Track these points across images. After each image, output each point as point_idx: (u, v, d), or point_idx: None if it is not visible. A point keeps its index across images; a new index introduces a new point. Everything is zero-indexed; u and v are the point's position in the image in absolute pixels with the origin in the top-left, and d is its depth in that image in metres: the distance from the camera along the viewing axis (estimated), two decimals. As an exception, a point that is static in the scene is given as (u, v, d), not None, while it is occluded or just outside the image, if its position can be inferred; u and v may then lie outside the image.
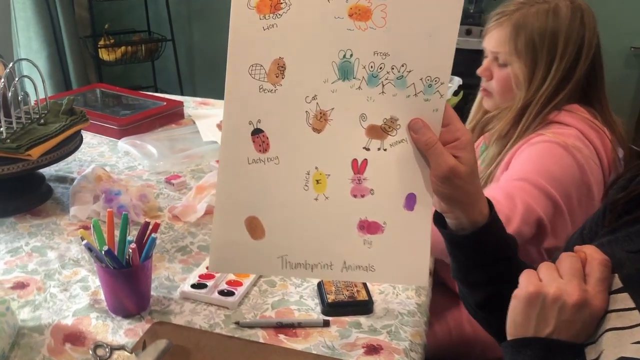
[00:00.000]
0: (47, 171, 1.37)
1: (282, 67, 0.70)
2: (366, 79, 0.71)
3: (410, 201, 0.74)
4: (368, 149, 0.73)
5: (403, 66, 0.71)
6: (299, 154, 0.72)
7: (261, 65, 0.70)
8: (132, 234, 0.94)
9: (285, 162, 0.72)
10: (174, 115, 1.75)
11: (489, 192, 1.08)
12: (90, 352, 0.82)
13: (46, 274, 1.03)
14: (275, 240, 0.73)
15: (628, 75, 2.86)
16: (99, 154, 1.52)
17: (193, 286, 0.98)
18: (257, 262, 0.74)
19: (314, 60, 0.70)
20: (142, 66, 3.40)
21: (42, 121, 1.24)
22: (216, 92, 2.77)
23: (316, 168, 0.73)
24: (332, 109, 0.72)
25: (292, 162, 0.72)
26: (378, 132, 0.73)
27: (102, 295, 0.96)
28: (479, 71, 1.31)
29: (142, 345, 0.85)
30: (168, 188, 1.35)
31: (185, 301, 0.97)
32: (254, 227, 0.73)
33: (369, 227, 0.74)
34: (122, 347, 0.84)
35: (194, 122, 1.72)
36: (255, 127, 0.72)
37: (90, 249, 0.88)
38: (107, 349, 0.83)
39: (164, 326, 0.90)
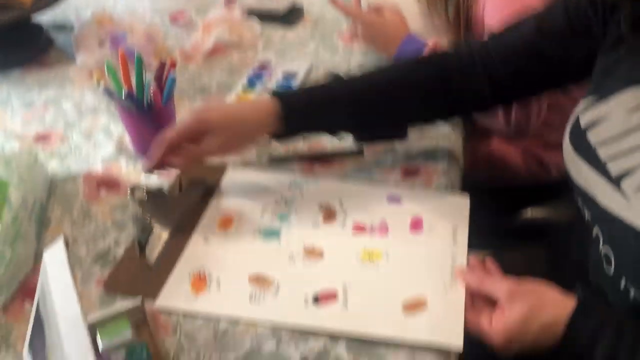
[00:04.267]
0: (45, 21, 1.29)
1: None
2: None
3: None
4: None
5: None
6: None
7: None
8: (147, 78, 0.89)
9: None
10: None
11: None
12: (128, 196, 0.81)
13: (66, 124, 1.00)
14: None
15: None
16: (94, -3, 1.42)
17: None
18: None
19: None
20: None
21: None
22: None
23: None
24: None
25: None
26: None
27: (127, 140, 0.94)
28: None
29: (178, 186, 0.84)
30: (174, 28, 1.27)
31: (213, 140, 0.95)
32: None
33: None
34: (159, 190, 0.83)
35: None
36: None
37: (109, 93, 0.84)
38: (144, 192, 0.82)
39: (198, 165, 0.88)
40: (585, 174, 0.67)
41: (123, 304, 0.65)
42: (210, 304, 0.69)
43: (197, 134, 0.77)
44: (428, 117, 0.85)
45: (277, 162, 0.90)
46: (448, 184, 0.85)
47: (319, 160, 0.90)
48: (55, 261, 0.56)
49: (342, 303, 0.68)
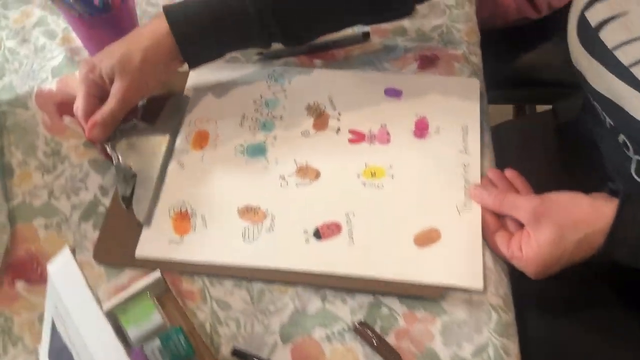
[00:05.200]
0: None
1: None
2: None
3: None
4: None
5: None
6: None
7: None
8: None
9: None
10: None
11: None
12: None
13: (-12, 22, 0.79)
14: None
15: None
16: None
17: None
18: None
19: None
20: None
21: None
22: None
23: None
24: None
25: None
26: None
27: (77, 42, 0.76)
28: None
29: (150, 113, 0.69)
30: None
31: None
32: None
33: None
34: (132, 125, 0.67)
35: None
36: None
37: (50, -3, 0.64)
38: (115, 132, 0.66)
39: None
40: (607, 79, 0.57)
41: (141, 280, 0.56)
42: (199, 247, 0.60)
43: (101, 91, 0.63)
44: None
45: (269, 59, 0.75)
46: (471, 71, 0.74)
47: (318, 52, 0.76)
48: (64, 275, 0.46)
49: (347, 236, 0.61)
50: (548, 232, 0.56)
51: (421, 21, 0.78)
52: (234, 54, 0.75)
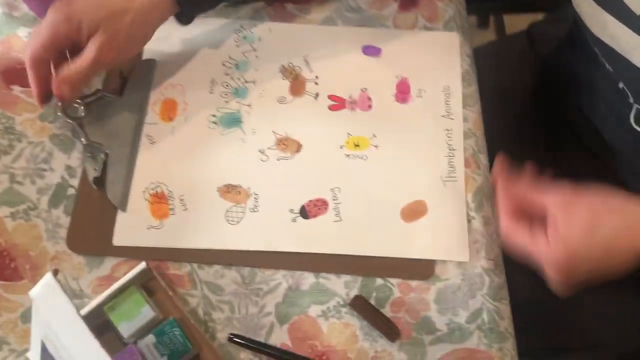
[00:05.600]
0: None
1: None
2: None
3: None
4: None
5: None
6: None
7: None
8: None
9: None
10: None
11: None
12: (59, 112, 0.60)
13: None
14: None
15: None
16: None
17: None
18: None
19: None
20: None
21: None
22: None
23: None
24: None
25: None
26: None
27: (14, -6, 0.67)
28: None
29: (119, 79, 0.63)
30: None
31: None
32: None
33: None
34: (100, 95, 0.61)
35: None
36: None
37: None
38: (80, 104, 0.60)
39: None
40: (612, 28, 0.55)
41: (128, 273, 0.54)
42: (181, 233, 0.57)
43: (68, 42, 0.56)
44: None
45: (235, 6, 0.68)
46: (455, 11, 0.69)
47: (289, -5, 0.69)
48: (49, 300, 0.43)
49: (333, 214, 0.59)
50: (580, 218, 0.48)
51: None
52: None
